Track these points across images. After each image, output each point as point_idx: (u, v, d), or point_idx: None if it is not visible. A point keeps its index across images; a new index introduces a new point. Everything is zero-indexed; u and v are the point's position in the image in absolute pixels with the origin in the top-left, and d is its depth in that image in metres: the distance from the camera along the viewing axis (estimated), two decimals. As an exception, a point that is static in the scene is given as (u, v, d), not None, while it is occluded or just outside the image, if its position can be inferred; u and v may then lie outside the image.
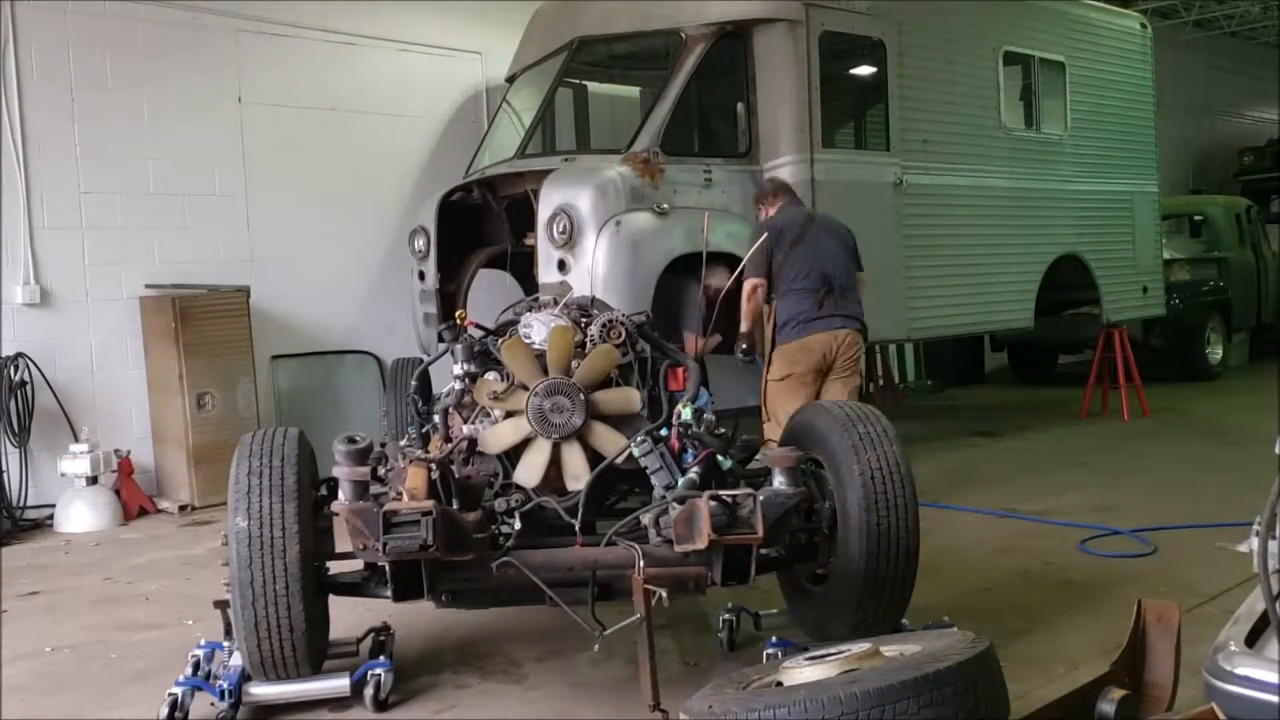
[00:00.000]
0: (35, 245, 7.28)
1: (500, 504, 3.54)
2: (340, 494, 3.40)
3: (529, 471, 3.58)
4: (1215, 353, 12.51)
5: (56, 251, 7.39)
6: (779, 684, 2.63)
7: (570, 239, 6.42)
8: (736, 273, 5.98)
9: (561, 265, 6.47)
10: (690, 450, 3.62)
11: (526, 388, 3.63)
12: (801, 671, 2.59)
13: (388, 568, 3.36)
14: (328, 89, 8.66)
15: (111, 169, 7.57)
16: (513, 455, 3.63)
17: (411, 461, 3.40)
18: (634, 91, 9.17)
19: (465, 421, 3.76)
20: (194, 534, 6.64)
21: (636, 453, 3.58)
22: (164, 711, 3.45)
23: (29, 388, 7.05)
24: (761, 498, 3.26)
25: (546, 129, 8.04)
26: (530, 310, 4.22)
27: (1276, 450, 2.45)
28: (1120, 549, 5.34)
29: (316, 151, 8.52)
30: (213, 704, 3.54)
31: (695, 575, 3.37)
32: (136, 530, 6.92)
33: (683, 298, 6.37)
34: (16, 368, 6.99)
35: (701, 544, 3.17)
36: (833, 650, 2.69)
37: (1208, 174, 17.21)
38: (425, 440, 3.94)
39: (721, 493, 3.24)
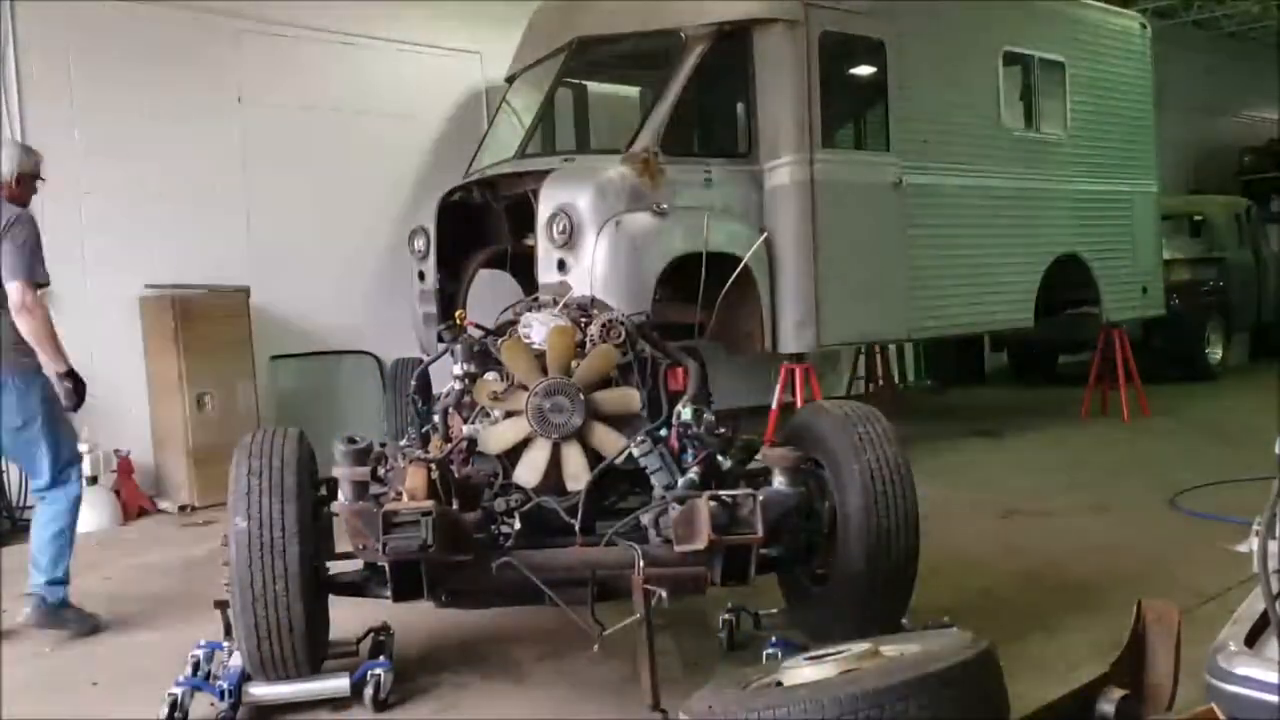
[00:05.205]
0: (35, 245, 7.27)
1: (500, 504, 3.54)
2: (340, 494, 3.40)
3: (529, 471, 3.58)
4: (1215, 353, 12.50)
5: (56, 251, 7.34)
6: (779, 684, 2.62)
7: (570, 239, 6.43)
8: (736, 273, 5.98)
9: (561, 265, 6.47)
10: (690, 450, 3.62)
11: (526, 388, 3.63)
12: (801, 671, 2.59)
13: (388, 568, 3.36)
14: (328, 89, 8.65)
15: (111, 169, 7.55)
16: (512, 455, 3.63)
17: (411, 461, 3.40)
18: (634, 91, 9.17)
19: (465, 421, 3.76)
20: (194, 534, 6.63)
21: (636, 453, 3.58)
22: (164, 711, 3.46)
23: (29, 388, 7.03)
24: (761, 498, 3.26)
25: (546, 129, 8.04)
26: (530, 310, 4.23)
27: (1276, 450, 2.44)
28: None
29: (316, 152, 8.51)
30: (213, 704, 3.55)
31: (695, 575, 3.36)
32: (136, 530, 6.91)
33: None
34: (16, 368, 6.97)
35: (701, 544, 3.17)
36: (833, 650, 2.69)
37: (1208, 174, 17.19)
38: (425, 440, 3.93)
39: (721, 493, 3.24)
